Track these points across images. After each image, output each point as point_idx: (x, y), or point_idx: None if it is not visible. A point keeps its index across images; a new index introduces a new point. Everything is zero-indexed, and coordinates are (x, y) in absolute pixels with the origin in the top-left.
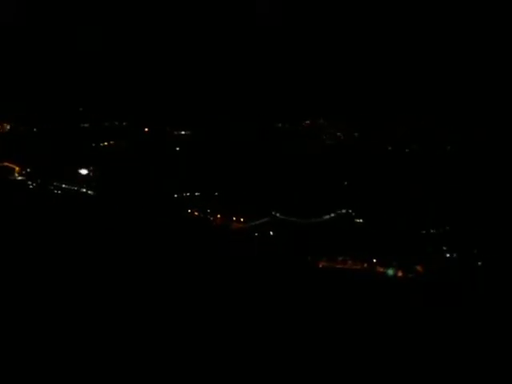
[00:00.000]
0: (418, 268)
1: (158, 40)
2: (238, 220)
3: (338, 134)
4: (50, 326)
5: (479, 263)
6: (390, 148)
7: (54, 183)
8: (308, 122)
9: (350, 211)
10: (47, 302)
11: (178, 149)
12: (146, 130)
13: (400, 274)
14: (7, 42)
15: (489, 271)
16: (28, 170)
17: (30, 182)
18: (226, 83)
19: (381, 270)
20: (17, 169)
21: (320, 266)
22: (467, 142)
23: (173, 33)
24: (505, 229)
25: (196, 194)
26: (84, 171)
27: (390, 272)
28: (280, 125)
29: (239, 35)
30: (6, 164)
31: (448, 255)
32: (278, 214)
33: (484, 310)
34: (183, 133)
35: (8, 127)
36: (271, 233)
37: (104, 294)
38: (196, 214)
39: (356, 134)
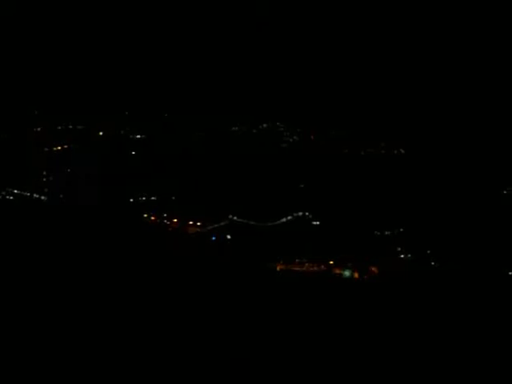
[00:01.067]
0: (373, 269)
1: (103, 41)
2: (195, 224)
3: (295, 137)
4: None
5: (432, 263)
6: (346, 151)
7: (7, 189)
8: (265, 125)
9: (307, 214)
10: None
11: (133, 153)
12: (101, 133)
13: (356, 275)
14: None
15: (442, 271)
16: None
17: None
18: (179, 86)
19: (337, 271)
20: None
21: (278, 268)
22: (418, 145)
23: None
24: (457, 229)
25: (152, 198)
26: (36, 176)
27: (347, 273)
28: (236, 128)
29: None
30: None
31: (402, 256)
32: (235, 218)
33: (437, 309)
34: (138, 137)
35: None
36: (229, 236)
37: (55, 298)
38: (153, 218)
39: (312, 137)
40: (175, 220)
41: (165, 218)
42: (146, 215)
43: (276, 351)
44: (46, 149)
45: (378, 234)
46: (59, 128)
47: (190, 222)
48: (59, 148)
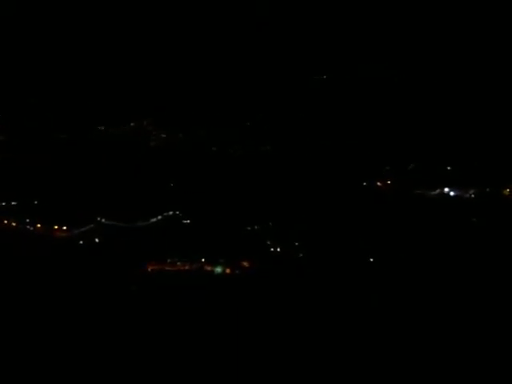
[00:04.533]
0: (245, 263)
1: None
2: (60, 228)
3: (163, 135)
4: None
5: (301, 255)
6: (213, 149)
7: None
8: (132, 124)
9: (178, 213)
10: None
11: None
12: None
13: (228, 270)
14: None
15: (311, 261)
16: None
17: None
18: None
19: (209, 268)
20: None
21: (149, 269)
22: (286, 141)
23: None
24: (324, 221)
25: (12, 203)
26: None
27: (219, 269)
28: (103, 128)
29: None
30: None
31: (272, 249)
32: (103, 220)
33: (310, 300)
34: None
35: None
36: (97, 240)
37: None
38: (14, 224)
39: (180, 135)
40: (39, 225)
41: (27, 223)
42: (5, 221)
43: (152, 349)
44: None
45: (248, 229)
46: None
47: (56, 227)
48: None
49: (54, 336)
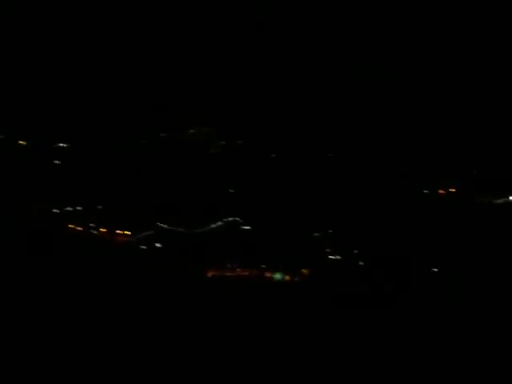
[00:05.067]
0: (304, 271)
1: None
2: (122, 233)
3: (222, 142)
4: None
5: (361, 263)
6: (273, 155)
7: None
8: (192, 131)
9: (238, 219)
10: None
11: (57, 162)
12: (22, 142)
13: (287, 277)
14: None
15: (370, 270)
16: None
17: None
18: (103, 93)
19: (269, 275)
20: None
21: (209, 275)
22: (344, 146)
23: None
24: (384, 229)
25: (77, 208)
26: None
27: (278, 276)
28: (164, 134)
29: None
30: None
31: (331, 257)
32: (164, 225)
33: (370, 308)
34: (62, 145)
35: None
36: (158, 245)
37: None
38: (78, 229)
39: (240, 142)
40: (102, 230)
41: (91, 228)
42: (71, 226)
43: (210, 358)
44: None
45: (308, 236)
46: None
47: (118, 231)
48: None
49: (117, 340)
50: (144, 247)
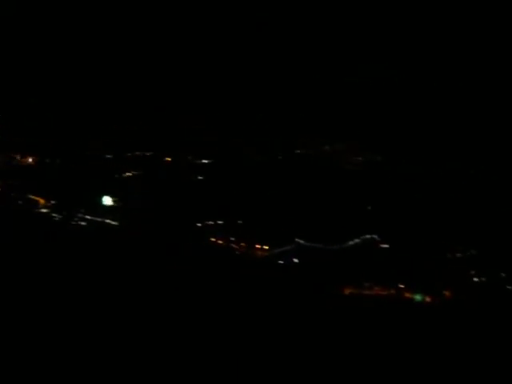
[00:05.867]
0: (446, 293)
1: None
2: (261, 248)
3: (359, 158)
4: None
5: (508, 287)
6: (414, 171)
7: (79, 214)
8: (327, 147)
9: (376, 236)
10: None
11: (199, 178)
12: (168, 159)
13: (428, 299)
14: None
15: None
16: (52, 202)
17: (54, 215)
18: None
19: (408, 295)
20: (41, 201)
21: (347, 293)
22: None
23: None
24: None
25: (219, 222)
26: (108, 202)
27: (418, 297)
28: (299, 151)
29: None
30: (30, 197)
31: (476, 279)
32: (302, 241)
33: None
34: (204, 161)
35: (31, 159)
36: (296, 260)
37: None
38: (220, 242)
39: (379, 158)
40: (242, 244)
41: (231, 241)
42: (212, 239)
43: (350, 378)
44: (116, 175)
45: (450, 256)
46: (128, 155)
47: (257, 246)
48: (129, 174)
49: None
50: (281, 262)
